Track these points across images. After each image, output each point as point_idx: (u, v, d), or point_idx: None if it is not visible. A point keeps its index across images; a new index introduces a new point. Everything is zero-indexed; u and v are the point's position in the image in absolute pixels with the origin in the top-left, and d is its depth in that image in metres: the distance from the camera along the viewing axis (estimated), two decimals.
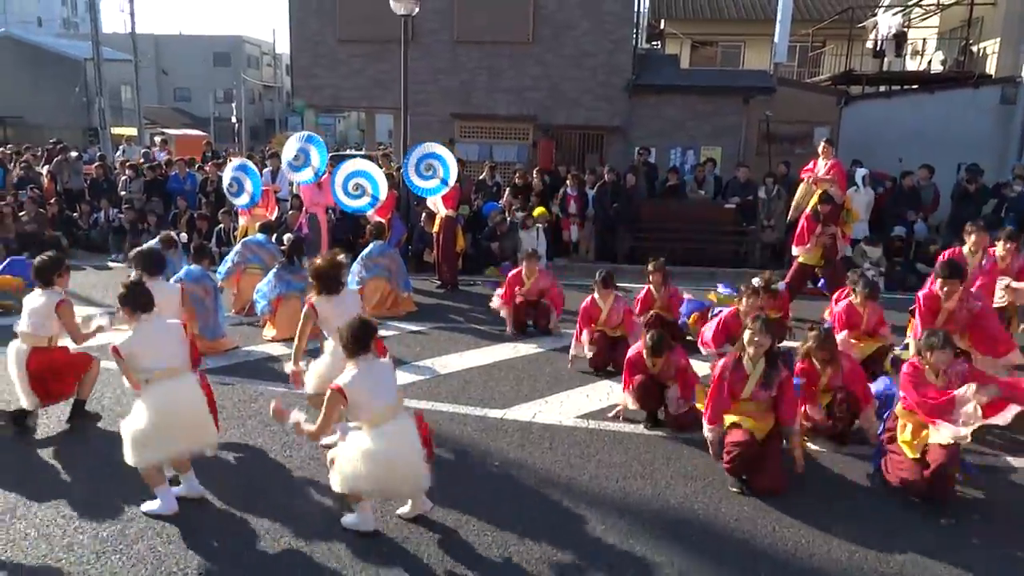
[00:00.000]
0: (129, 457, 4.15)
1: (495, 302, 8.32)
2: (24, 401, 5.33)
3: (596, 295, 7.02)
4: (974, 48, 17.24)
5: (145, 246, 6.93)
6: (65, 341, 5.45)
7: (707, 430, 4.91)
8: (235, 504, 4.40)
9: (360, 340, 3.96)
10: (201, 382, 4.61)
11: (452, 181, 9.91)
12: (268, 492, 4.56)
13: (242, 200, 10.67)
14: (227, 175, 10.85)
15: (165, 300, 5.11)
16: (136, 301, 4.32)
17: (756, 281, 6.67)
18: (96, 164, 14.92)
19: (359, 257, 8.87)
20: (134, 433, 4.12)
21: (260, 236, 9.05)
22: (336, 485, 3.98)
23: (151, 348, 4.22)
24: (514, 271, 8.44)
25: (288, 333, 7.81)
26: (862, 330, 6.45)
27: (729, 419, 4.85)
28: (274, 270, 7.95)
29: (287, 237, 8.76)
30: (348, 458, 3.92)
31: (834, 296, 7.29)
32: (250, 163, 11.24)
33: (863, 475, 4.90)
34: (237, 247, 8.97)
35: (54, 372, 5.37)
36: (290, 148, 10.13)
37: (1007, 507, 4.58)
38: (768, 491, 4.62)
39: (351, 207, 10.07)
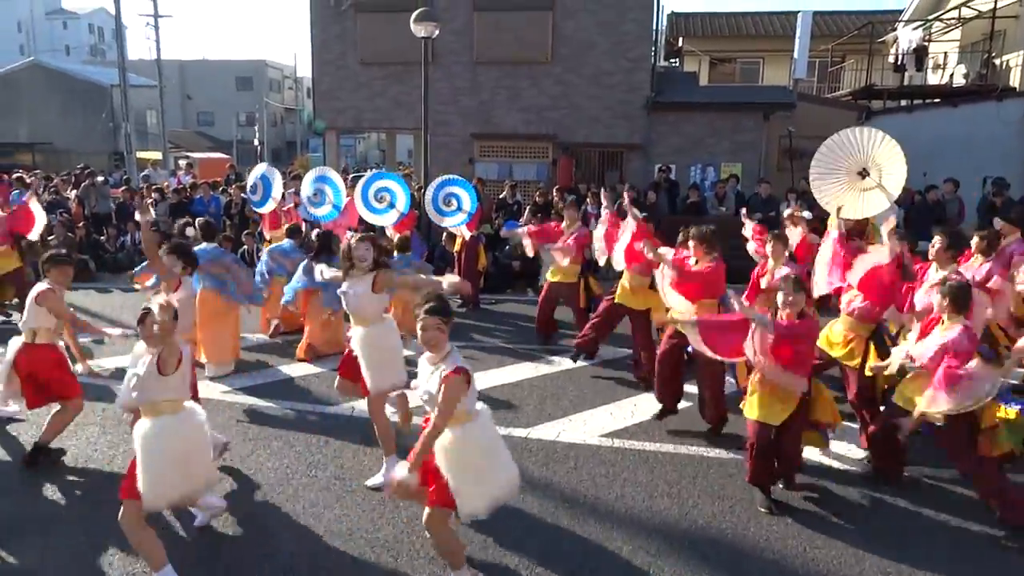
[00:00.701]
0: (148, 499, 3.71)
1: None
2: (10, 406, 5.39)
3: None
4: (997, 61, 17.09)
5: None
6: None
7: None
8: (259, 525, 4.41)
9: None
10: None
11: (474, 209, 10.06)
12: (294, 513, 4.57)
13: (323, 211, 9.88)
14: (307, 185, 10.03)
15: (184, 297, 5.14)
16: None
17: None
18: (123, 188, 15.19)
19: None
20: (152, 473, 3.70)
21: (286, 243, 8.85)
22: (479, 508, 3.68)
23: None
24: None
25: (298, 325, 8.21)
26: None
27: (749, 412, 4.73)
28: (303, 264, 7.91)
29: (315, 233, 8.78)
30: (474, 469, 3.63)
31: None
32: (329, 172, 10.39)
33: (896, 495, 4.81)
34: (264, 257, 8.88)
35: (46, 370, 5.20)
36: (307, 186, 9.95)
37: None
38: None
39: (376, 211, 9.74)
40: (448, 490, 3.57)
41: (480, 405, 3.77)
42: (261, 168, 10.80)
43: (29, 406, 5.31)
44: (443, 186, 10.18)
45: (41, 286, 5.26)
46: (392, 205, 9.67)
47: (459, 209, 10.03)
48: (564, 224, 8.27)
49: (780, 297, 4.65)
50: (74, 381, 5.36)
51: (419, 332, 3.65)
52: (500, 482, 3.72)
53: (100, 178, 15.66)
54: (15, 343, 5.28)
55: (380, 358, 4.85)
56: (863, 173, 6.50)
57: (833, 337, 5.42)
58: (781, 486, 4.82)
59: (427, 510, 3.62)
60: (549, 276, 8.43)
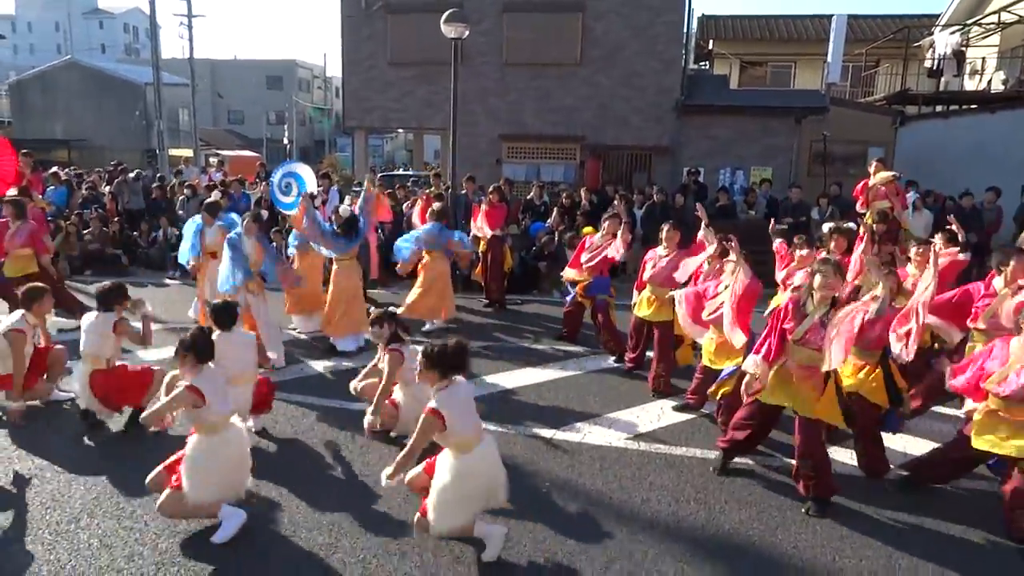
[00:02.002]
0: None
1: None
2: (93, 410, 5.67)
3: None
4: None
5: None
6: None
7: (753, 363, 4.73)
8: (284, 520, 4.43)
9: (453, 361, 3.95)
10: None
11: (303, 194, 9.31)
12: (320, 508, 4.59)
13: (291, 199, 9.60)
14: (278, 175, 9.49)
15: (237, 349, 5.23)
16: (201, 351, 4.29)
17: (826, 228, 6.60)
18: (156, 186, 15.41)
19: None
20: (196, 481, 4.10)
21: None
22: (443, 527, 3.90)
23: (217, 394, 4.24)
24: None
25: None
26: None
27: (771, 398, 4.71)
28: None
29: (343, 209, 8.80)
30: (451, 489, 3.89)
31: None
32: (298, 168, 10.40)
33: (929, 501, 4.71)
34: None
35: (119, 390, 5.61)
36: (277, 175, 9.64)
37: None
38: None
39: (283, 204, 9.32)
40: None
41: (487, 440, 4.06)
42: (291, 167, 10.52)
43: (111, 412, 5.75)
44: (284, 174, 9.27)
45: (113, 316, 5.54)
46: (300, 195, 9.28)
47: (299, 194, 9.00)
48: (600, 234, 7.83)
49: (817, 280, 4.60)
50: (145, 372, 5.73)
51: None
52: (476, 509, 3.99)
53: (132, 174, 15.89)
54: (84, 371, 5.64)
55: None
56: None
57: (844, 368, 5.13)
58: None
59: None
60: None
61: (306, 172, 9.35)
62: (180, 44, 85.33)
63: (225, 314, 5.24)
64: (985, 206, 11.71)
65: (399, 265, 9.11)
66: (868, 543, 4.28)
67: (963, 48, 17.88)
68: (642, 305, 6.95)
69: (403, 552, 4.08)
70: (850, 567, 4.06)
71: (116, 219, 13.94)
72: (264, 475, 4.82)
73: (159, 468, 4.29)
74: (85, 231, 13.00)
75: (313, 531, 4.29)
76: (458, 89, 12.19)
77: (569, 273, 8.12)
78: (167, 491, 4.13)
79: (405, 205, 12.16)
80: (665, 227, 6.94)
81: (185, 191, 14.48)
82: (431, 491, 3.94)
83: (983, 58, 19.20)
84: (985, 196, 11.74)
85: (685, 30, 16.67)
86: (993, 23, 17.60)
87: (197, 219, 8.55)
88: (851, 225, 7.54)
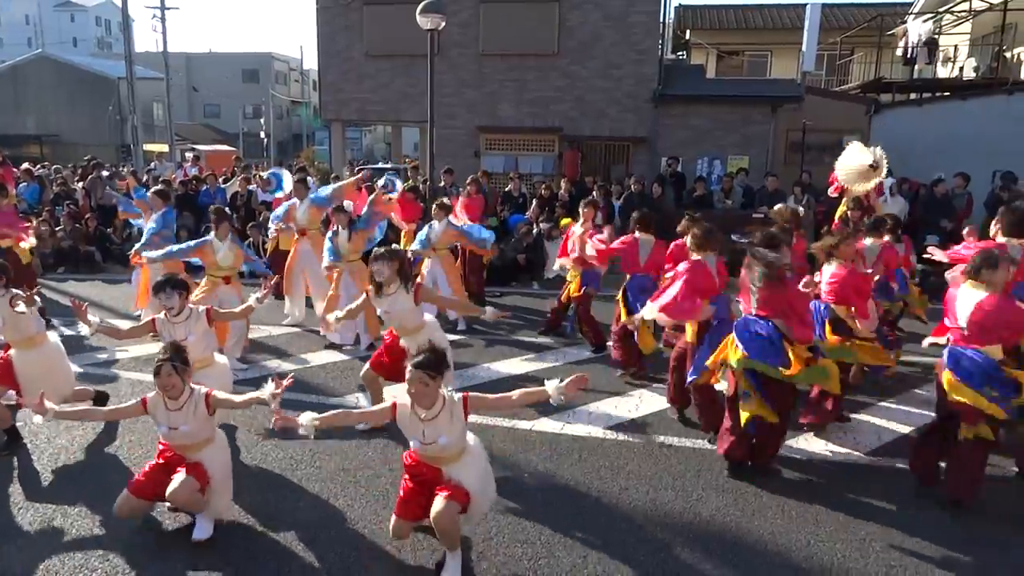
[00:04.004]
0: None
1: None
2: None
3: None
4: (1007, 54, 16.96)
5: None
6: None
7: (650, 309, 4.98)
8: (264, 515, 4.42)
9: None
10: None
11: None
12: (298, 504, 4.58)
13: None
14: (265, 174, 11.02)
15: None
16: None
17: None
18: (128, 180, 15.21)
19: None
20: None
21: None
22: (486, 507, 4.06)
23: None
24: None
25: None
26: None
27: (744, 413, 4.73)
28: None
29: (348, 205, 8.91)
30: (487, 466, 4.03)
31: None
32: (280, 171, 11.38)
33: (901, 488, 4.79)
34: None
35: None
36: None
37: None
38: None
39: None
40: (464, 490, 3.79)
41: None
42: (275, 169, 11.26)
43: None
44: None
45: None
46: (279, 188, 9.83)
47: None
48: (579, 223, 7.81)
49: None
50: None
51: (407, 384, 3.72)
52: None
53: (106, 172, 15.67)
54: None
55: None
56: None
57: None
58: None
59: (443, 504, 3.68)
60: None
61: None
62: (153, 37, 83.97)
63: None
64: (955, 191, 11.87)
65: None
66: (842, 528, 4.34)
67: (935, 36, 18.05)
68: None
69: (381, 544, 4.09)
70: (824, 549, 4.12)
71: (89, 215, 13.77)
72: (251, 471, 4.80)
73: None
74: (57, 228, 12.82)
75: (289, 526, 4.28)
76: (435, 81, 12.15)
77: (561, 261, 8.10)
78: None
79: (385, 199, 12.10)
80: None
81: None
82: (473, 478, 3.86)
83: (955, 46, 19.42)
84: (953, 181, 11.91)
85: (662, 20, 16.70)
86: (964, 11, 17.79)
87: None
88: (800, 208, 7.67)
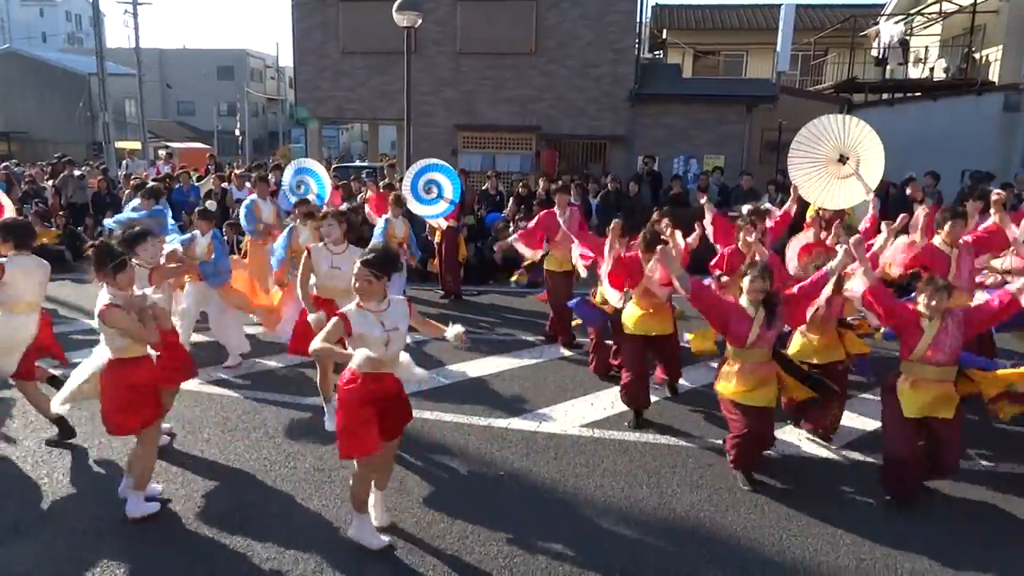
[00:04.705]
0: None
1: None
2: None
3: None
4: (976, 56, 17.25)
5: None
6: None
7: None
8: (239, 516, 4.38)
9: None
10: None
11: (457, 198, 9.65)
12: (273, 504, 4.54)
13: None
14: (288, 176, 10.23)
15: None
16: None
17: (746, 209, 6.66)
18: (99, 178, 14.99)
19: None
20: None
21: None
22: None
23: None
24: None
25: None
26: None
27: (735, 396, 4.74)
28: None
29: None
30: None
31: None
32: (311, 164, 10.51)
33: (871, 481, 4.85)
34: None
35: None
36: (288, 177, 10.15)
37: (1002, 511, 4.55)
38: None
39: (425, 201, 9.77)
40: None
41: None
42: (296, 167, 10.48)
43: None
44: (424, 172, 9.59)
45: None
46: (440, 196, 9.54)
47: (440, 197, 9.49)
48: (556, 211, 7.79)
49: (746, 282, 4.73)
50: None
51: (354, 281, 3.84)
52: None
53: (77, 172, 15.39)
54: None
55: None
56: (842, 159, 6.55)
57: None
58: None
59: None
60: (549, 264, 8.05)
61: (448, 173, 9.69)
62: (126, 33, 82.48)
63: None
64: (925, 191, 12.03)
65: None
66: (813, 523, 4.39)
67: (907, 37, 18.34)
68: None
69: (356, 543, 4.07)
70: (796, 544, 4.17)
71: (60, 214, 13.54)
72: (225, 472, 4.75)
73: None
74: None
75: (264, 527, 4.25)
76: (412, 79, 12.10)
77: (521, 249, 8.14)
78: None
79: (359, 197, 12.04)
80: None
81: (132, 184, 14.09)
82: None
83: (926, 47, 19.73)
84: (924, 180, 12.08)
85: (638, 19, 16.77)
86: (935, 12, 18.08)
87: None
88: (769, 207, 7.66)
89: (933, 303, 4.39)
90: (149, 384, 4.32)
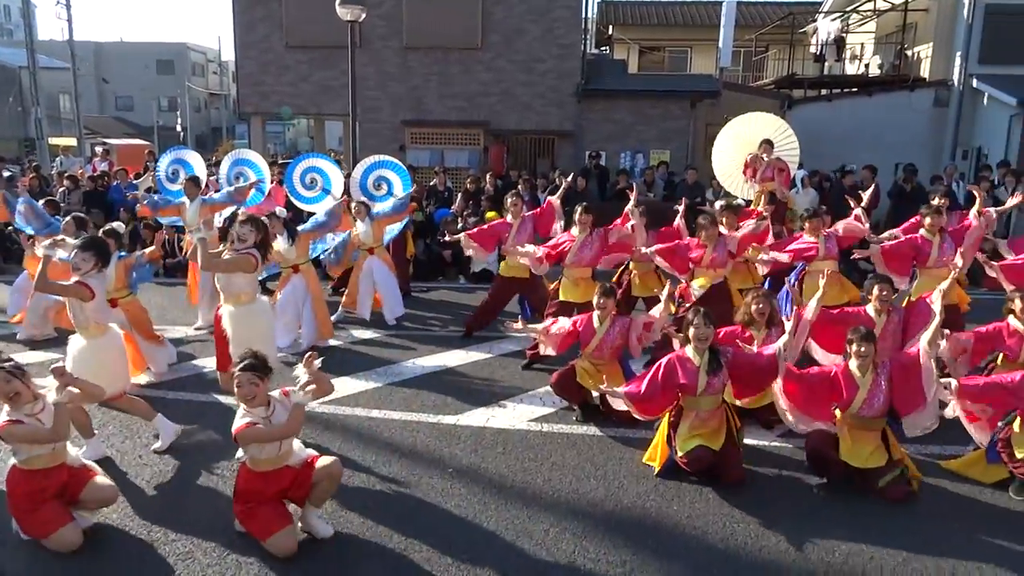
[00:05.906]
0: None
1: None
2: None
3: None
4: (909, 52, 17.86)
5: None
6: None
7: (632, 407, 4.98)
8: (203, 534, 4.29)
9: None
10: None
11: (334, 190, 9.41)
12: (202, 511, 4.46)
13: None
14: (225, 169, 10.05)
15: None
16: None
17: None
18: (31, 176, 14.43)
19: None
20: None
21: None
22: None
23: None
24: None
25: None
26: None
27: (688, 442, 4.81)
28: None
29: (279, 211, 8.51)
30: None
31: None
32: (250, 155, 10.34)
33: (806, 470, 5.00)
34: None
35: None
36: (225, 170, 9.98)
37: (937, 492, 4.74)
38: (735, 483, 4.75)
39: (306, 198, 9.73)
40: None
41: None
42: (233, 158, 10.23)
43: None
44: (373, 168, 9.52)
45: None
46: (326, 190, 9.43)
47: (389, 194, 9.33)
48: (510, 217, 7.78)
49: (692, 330, 4.86)
50: None
51: (235, 388, 3.89)
52: None
53: (7, 173, 14.77)
54: None
55: (249, 336, 5.05)
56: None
57: None
58: None
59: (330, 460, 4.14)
60: (503, 270, 7.97)
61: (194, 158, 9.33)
62: (59, 25, 79.80)
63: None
64: (863, 184, 12.42)
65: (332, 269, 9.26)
66: (755, 507, 4.51)
67: (843, 34, 18.87)
68: (567, 290, 7.14)
69: (329, 555, 4.02)
70: (739, 530, 4.27)
71: None
72: (190, 486, 4.64)
73: None
74: None
75: (231, 540, 4.17)
76: (357, 74, 11.97)
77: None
78: None
79: None
80: (578, 209, 7.26)
81: (66, 182, 13.65)
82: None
83: (861, 44, 20.33)
84: (861, 173, 12.47)
85: (584, 15, 16.89)
86: (869, 10, 18.64)
87: None
88: (740, 202, 7.90)
89: (862, 350, 4.60)
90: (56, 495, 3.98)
